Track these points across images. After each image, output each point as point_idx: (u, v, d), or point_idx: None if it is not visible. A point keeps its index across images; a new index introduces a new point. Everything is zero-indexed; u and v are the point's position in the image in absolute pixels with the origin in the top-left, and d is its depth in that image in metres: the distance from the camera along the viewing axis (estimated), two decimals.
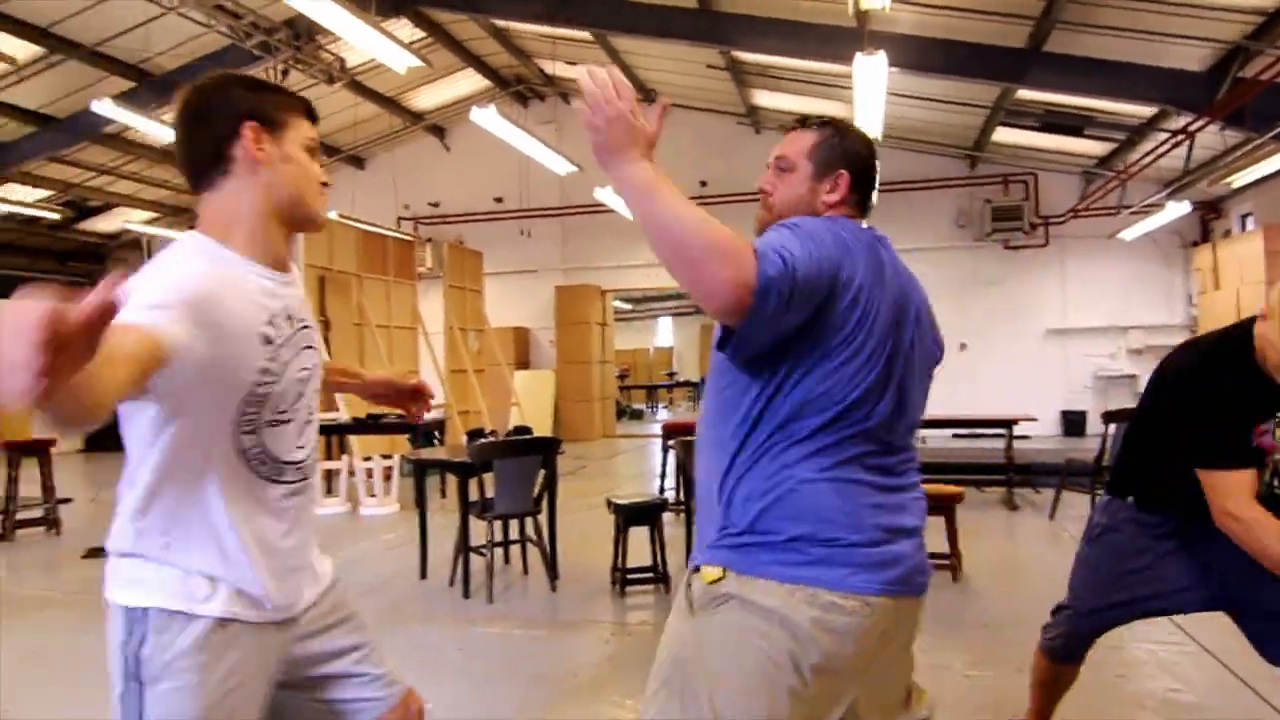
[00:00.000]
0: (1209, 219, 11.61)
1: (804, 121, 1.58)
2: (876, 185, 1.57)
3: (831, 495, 1.34)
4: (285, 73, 9.59)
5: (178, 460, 1.33)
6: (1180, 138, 8.27)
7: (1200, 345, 2.20)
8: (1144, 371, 10.79)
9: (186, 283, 1.26)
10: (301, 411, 1.47)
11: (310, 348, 1.47)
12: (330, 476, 7.87)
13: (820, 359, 1.33)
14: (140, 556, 1.34)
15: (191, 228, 1.40)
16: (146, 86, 9.73)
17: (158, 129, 9.28)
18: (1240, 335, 2.05)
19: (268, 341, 1.36)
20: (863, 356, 1.34)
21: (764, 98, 11.75)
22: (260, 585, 1.37)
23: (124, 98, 8.97)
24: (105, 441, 12.33)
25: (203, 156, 1.35)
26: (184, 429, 1.32)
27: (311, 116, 1.43)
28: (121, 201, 13.60)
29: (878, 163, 1.57)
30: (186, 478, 1.34)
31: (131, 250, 15.36)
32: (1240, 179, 8.46)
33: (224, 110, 1.34)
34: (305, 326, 1.46)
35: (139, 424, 1.34)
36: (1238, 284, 9.72)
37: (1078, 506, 6.40)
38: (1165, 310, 11.85)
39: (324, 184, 1.44)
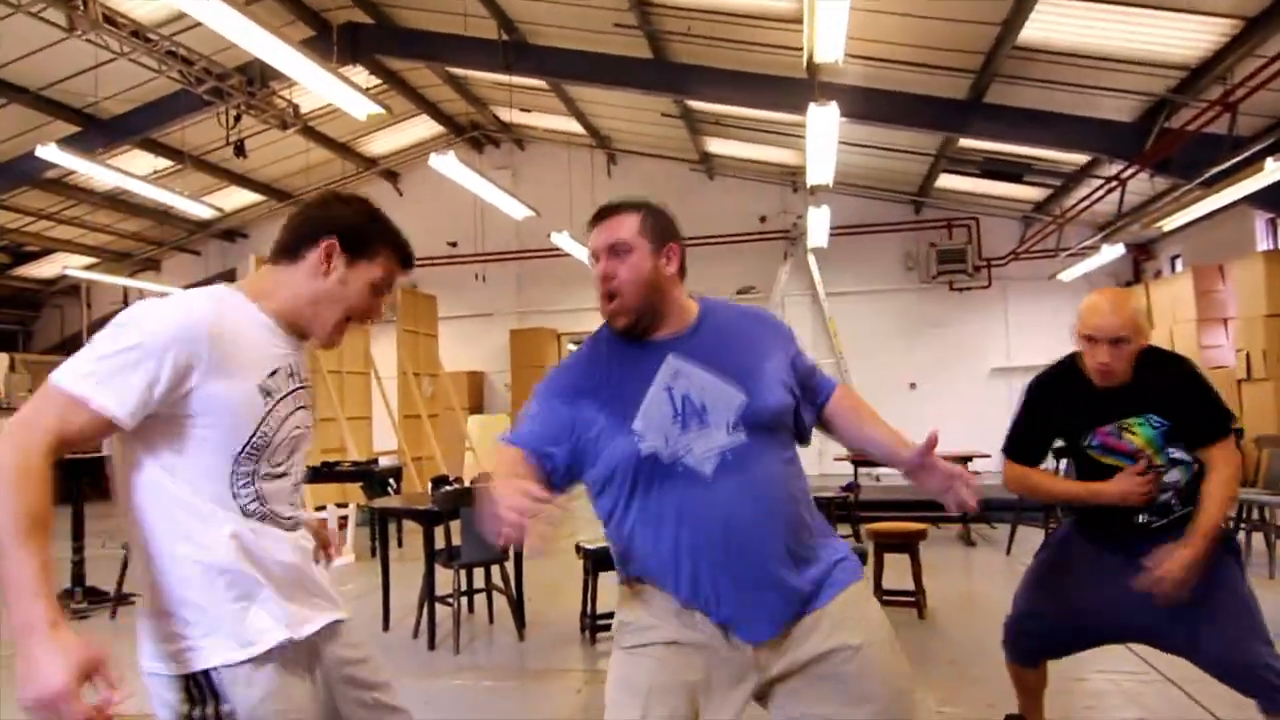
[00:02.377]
0: (1141, 261, 12.15)
1: (610, 209, 1.67)
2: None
3: None
4: (238, 118, 9.52)
5: (177, 515, 1.32)
6: (1113, 184, 8.68)
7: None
8: None
9: (188, 318, 1.33)
10: (295, 471, 1.51)
11: (305, 408, 1.52)
12: None
13: None
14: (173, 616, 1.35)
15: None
16: (93, 130, 9.56)
17: (103, 173, 9.09)
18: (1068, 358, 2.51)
19: (266, 394, 1.41)
20: None
21: (717, 145, 12.01)
22: (278, 606, 1.41)
23: (69, 142, 8.79)
24: None
25: (287, 243, 1.52)
26: (180, 481, 1.32)
27: (404, 262, 1.57)
28: (61, 247, 13.22)
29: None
30: (187, 528, 1.33)
31: (69, 297, 14.89)
32: (1169, 223, 8.88)
33: (321, 219, 1.51)
34: (303, 386, 1.51)
35: (133, 479, 1.32)
36: (1170, 322, 10.13)
37: (1033, 541, 6.47)
38: None
39: (369, 318, 1.56)
